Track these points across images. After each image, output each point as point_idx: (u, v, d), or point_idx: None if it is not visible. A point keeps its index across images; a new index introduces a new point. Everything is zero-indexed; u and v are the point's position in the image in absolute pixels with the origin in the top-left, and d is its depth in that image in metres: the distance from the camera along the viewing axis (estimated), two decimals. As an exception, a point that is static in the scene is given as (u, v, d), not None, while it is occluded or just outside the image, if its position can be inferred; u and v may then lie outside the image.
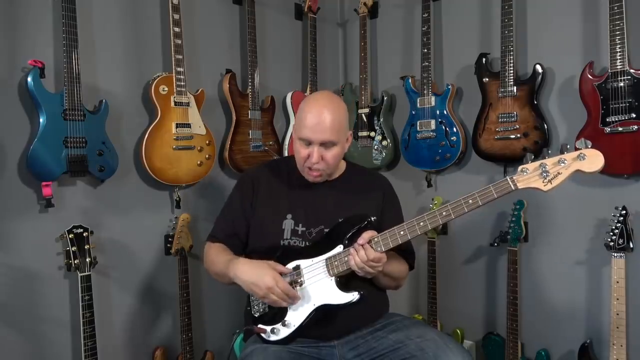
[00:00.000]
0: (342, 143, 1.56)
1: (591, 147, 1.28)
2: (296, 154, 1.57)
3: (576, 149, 1.30)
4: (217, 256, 1.58)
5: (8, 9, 1.75)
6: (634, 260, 1.92)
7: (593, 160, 1.27)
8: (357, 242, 1.40)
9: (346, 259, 1.42)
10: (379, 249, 1.39)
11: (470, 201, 1.36)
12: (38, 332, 1.83)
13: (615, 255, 1.87)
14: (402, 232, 1.40)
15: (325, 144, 1.51)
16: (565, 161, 1.29)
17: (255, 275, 1.41)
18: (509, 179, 1.33)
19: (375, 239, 1.40)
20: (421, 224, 1.39)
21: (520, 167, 1.33)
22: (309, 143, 1.51)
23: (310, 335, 1.48)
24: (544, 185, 1.30)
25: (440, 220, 1.37)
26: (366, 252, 1.38)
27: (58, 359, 1.88)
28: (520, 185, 1.32)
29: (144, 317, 2.12)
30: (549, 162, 1.30)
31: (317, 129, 1.49)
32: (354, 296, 1.42)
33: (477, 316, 2.44)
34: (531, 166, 1.32)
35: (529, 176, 1.31)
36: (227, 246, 1.61)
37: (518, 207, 2.13)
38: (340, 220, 1.55)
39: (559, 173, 1.29)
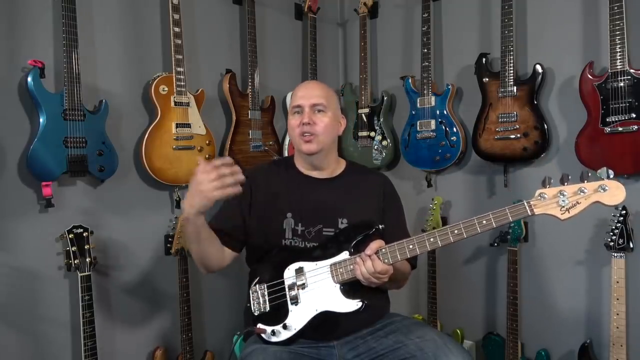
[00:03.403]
0: (332, 113, 1.59)
1: (612, 178, 1.23)
2: (290, 129, 1.61)
3: (592, 176, 1.25)
4: None
5: (8, 9, 1.75)
6: (634, 260, 1.92)
7: (614, 193, 1.22)
8: (365, 252, 1.38)
9: (352, 267, 1.41)
10: (386, 260, 1.37)
11: (484, 222, 1.31)
12: (38, 332, 1.83)
13: (615, 255, 1.87)
14: (411, 247, 1.37)
15: (315, 107, 1.56)
16: (586, 191, 1.24)
17: (187, 197, 1.36)
18: (526, 204, 1.29)
19: (383, 250, 1.38)
20: (431, 239, 1.35)
21: (538, 192, 1.28)
22: (299, 110, 1.57)
23: (310, 337, 1.48)
24: (561, 214, 1.26)
25: (452, 238, 1.33)
26: (373, 263, 1.36)
27: (58, 359, 1.88)
28: (537, 211, 1.27)
29: (144, 317, 2.12)
30: (568, 190, 1.26)
31: (307, 94, 1.58)
32: (357, 305, 1.41)
33: (477, 316, 2.44)
34: (550, 192, 1.27)
35: (546, 203, 1.27)
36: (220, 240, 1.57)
37: (518, 207, 2.12)
38: (340, 220, 1.55)
39: (577, 203, 1.25)
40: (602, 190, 1.23)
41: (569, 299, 2.17)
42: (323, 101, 1.57)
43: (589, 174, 1.26)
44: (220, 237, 1.56)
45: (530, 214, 1.28)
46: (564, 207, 1.26)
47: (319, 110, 1.57)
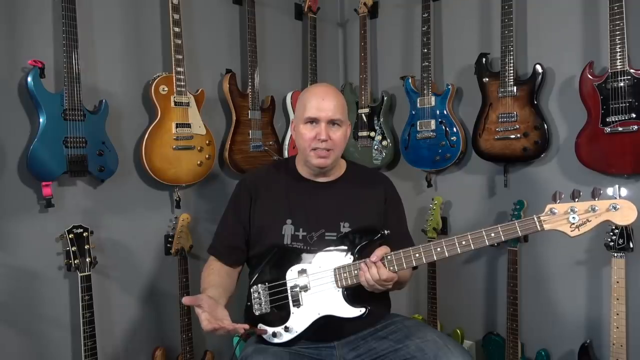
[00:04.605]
0: (345, 127, 1.58)
1: (624, 197, 1.22)
2: (301, 139, 1.56)
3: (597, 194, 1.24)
4: (204, 279, 1.59)
5: (8, 9, 1.75)
6: (634, 260, 1.92)
7: (626, 212, 1.22)
8: (370, 258, 1.37)
9: (356, 272, 1.40)
10: (391, 268, 1.37)
11: (493, 234, 1.31)
12: (38, 332, 1.83)
13: (615, 255, 1.87)
14: (417, 255, 1.36)
15: (331, 122, 1.53)
16: (597, 209, 1.23)
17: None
18: (535, 219, 1.27)
19: (389, 257, 1.38)
20: (438, 249, 1.35)
21: (548, 207, 1.27)
22: (315, 123, 1.53)
23: (310, 338, 1.48)
24: (571, 231, 1.25)
25: (460, 249, 1.33)
26: (379, 270, 1.35)
27: (58, 359, 1.88)
28: (546, 227, 1.26)
29: (144, 317, 2.12)
30: (579, 206, 1.25)
31: (323, 106, 1.52)
32: (360, 311, 1.41)
33: (477, 316, 2.44)
34: (560, 208, 1.26)
35: (557, 218, 1.26)
36: (226, 261, 1.61)
37: (518, 207, 2.13)
38: (342, 224, 1.54)
39: (588, 220, 1.24)
40: (613, 209, 1.23)
41: (569, 299, 2.17)
42: (340, 116, 1.54)
43: (601, 191, 1.25)
44: (225, 258, 1.61)
45: (539, 229, 1.27)
46: (574, 224, 1.25)
47: (335, 124, 1.54)
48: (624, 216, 1.22)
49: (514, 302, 2.14)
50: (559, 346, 2.20)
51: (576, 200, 1.26)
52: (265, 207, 1.59)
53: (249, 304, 1.54)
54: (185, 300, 1.36)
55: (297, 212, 1.56)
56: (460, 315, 2.47)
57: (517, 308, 2.14)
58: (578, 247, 2.11)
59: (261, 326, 1.48)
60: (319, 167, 1.56)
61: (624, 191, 1.23)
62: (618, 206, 1.22)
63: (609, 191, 1.24)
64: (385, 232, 1.46)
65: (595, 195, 1.25)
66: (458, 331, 2.38)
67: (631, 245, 1.85)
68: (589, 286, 2.12)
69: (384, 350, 1.45)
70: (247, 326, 1.38)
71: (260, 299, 1.49)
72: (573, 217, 1.25)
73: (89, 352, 1.77)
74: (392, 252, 1.38)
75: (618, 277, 1.87)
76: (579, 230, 1.25)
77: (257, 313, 1.50)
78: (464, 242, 1.33)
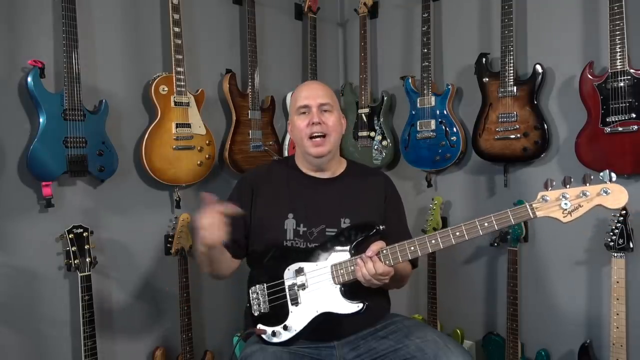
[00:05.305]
0: (337, 114, 1.61)
1: (615, 181, 1.23)
2: (296, 130, 1.59)
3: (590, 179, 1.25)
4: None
5: (8, 9, 1.75)
6: (634, 260, 1.92)
7: (617, 196, 1.22)
8: (366, 253, 1.38)
9: (352, 268, 1.40)
10: (387, 262, 1.37)
11: (486, 224, 1.31)
12: (38, 332, 1.83)
13: (615, 255, 1.87)
14: (412, 248, 1.37)
15: (322, 107, 1.56)
16: (588, 194, 1.24)
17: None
18: (528, 206, 1.28)
19: (384, 252, 1.38)
20: (433, 241, 1.35)
21: (540, 194, 1.27)
22: (306, 110, 1.57)
23: (310, 337, 1.48)
24: (564, 217, 1.26)
25: (454, 240, 1.33)
26: (375, 265, 1.36)
27: (58, 359, 1.88)
28: (539, 214, 1.27)
29: (143, 317, 2.12)
30: (570, 192, 1.25)
31: (312, 94, 1.58)
32: (358, 307, 1.41)
33: (477, 316, 2.44)
34: (552, 195, 1.27)
35: (548, 205, 1.27)
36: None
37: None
38: (342, 220, 1.54)
39: (580, 206, 1.25)
40: (604, 194, 1.23)
41: (569, 299, 2.17)
42: (329, 100, 1.58)
43: (592, 177, 1.26)
44: (226, 249, 1.58)
45: (532, 216, 1.28)
46: (566, 210, 1.26)
47: (326, 110, 1.57)
48: (615, 199, 1.23)
49: (514, 302, 2.14)
50: (559, 346, 2.20)
51: (567, 186, 1.27)
52: (266, 202, 1.60)
53: (248, 305, 1.54)
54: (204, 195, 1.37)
55: (298, 208, 1.57)
56: (460, 315, 2.47)
57: (517, 308, 2.14)
58: (578, 247, 2.11)
59: (260, 326, 1.48)
60: (316, 156, 1.56)
61: (614, 176, 1.23)
62: (609, 190, 1.23)
63: (600, 176, 1.25)
64: (381, 227, 1.46)
65: (586, 180, 1.26)
66: (458, 331, 2.38)
67: (631, 245, 1.85)
68: (589, 286, 2.12)
69: (384, 350, 1.46)
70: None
71: (259, 299, 1.49)
72: (565, 203, 1.26)
73: (89, 352, 1.77)
74: (388, 247, 1.39)
75: (618, 277, 1.87)
76: (571, 215, 1.26)
77: (256, 313, 1.50)
78: (457, 233, 1.33)
